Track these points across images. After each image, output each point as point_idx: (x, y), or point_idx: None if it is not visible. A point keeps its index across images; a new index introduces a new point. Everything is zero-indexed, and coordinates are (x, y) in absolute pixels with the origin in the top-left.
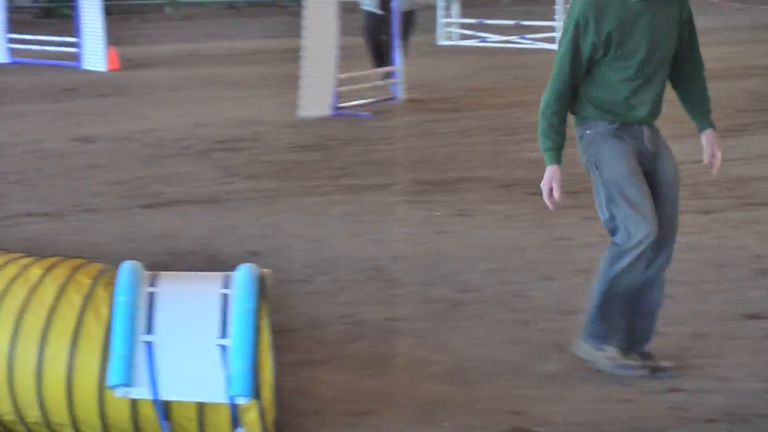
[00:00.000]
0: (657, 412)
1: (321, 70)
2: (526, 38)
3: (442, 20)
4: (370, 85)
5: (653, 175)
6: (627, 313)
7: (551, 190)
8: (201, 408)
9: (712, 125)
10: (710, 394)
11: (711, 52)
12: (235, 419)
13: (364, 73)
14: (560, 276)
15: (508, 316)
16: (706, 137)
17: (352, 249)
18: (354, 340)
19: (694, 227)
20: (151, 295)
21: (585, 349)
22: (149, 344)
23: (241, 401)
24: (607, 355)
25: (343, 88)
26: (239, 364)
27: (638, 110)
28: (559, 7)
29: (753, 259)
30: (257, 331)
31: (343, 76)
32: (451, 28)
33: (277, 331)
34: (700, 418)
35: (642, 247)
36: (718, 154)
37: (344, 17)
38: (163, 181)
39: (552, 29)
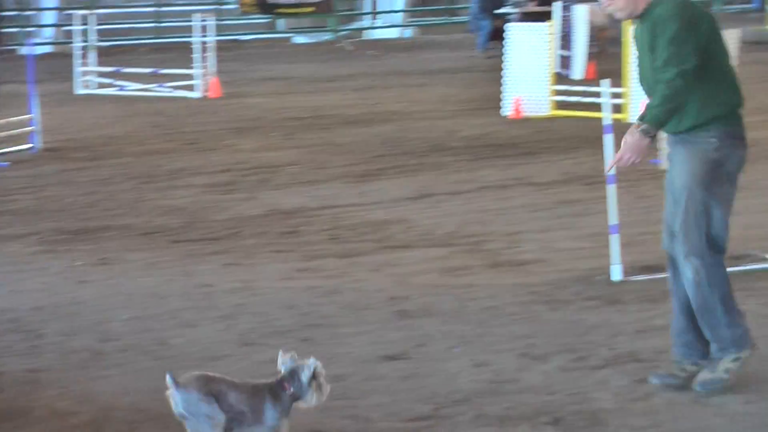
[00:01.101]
0: None
1: None
2: (164, 86)
3: (79, 69)
4: (5, 134)
5: None
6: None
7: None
8: None
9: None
10: None
11: (347, 99)
12: None
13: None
14: (203, 323)
15: (151, 364)
16: None
17: None
18: None
19: (332, 271)
20: None
21: None
22: None
23: None
24: None
25: None
26: None
27: None
28: (197, 56)
29: (391, 302)
30: None
31: None
32: (88, 77)
33: None
34: None
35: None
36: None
37: None
38: None
39: (190, 77)
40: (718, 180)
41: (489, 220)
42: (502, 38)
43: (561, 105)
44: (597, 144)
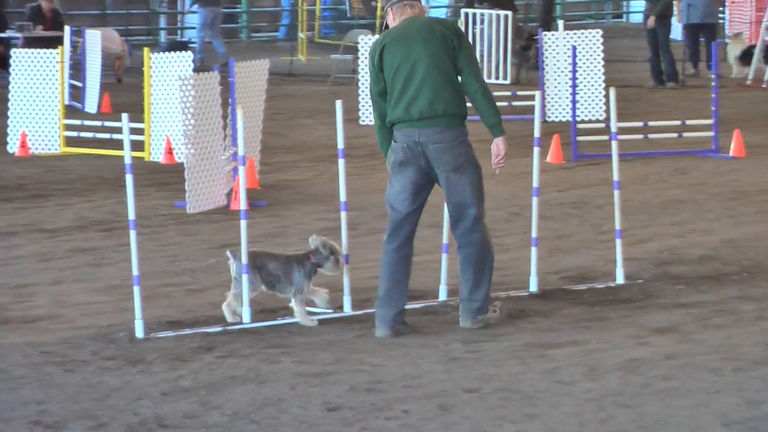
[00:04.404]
0: None
1: None
2: None
3: None
4: None
5: None
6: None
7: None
8: None
9: None
10: None
11: None
12: None
13: None
14: None
15: None
16: None
17: None
18: None
19: None
20: None
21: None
22: None
23: None
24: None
25: None
26: None
27: None
28: None
29: None
30: None
31: None
32: None
33: None
34: None
35: None
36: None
37: None
38: None
39: None
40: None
41: None
42: (5, 66)
43: (73, 141)
44: (116, 185)
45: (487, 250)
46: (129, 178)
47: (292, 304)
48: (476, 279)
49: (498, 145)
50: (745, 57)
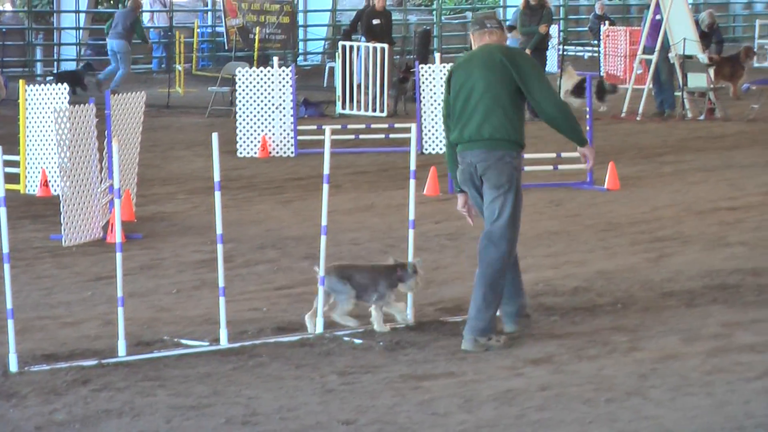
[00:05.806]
0: None
1: None
2: None
3: None
4: None
5: None
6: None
7: None
8: None
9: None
10: None
11: None
12: None
13: None
14: None
15: None
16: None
17: None
18: None
19: None
20: None
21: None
22: None
23: None
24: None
25: None
26: None
27: None
28: None
29: None
30: None
31: None
32: None
33: None
34: None
35: None
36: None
37: None
38: None
39: None
40: None
41: None
42: None
43: None
44: None
45: (502, 274)
46: (3, 211)
47: (372, 310)
48: (486, 299)
49: (582, 153)
50: (578, 90)
